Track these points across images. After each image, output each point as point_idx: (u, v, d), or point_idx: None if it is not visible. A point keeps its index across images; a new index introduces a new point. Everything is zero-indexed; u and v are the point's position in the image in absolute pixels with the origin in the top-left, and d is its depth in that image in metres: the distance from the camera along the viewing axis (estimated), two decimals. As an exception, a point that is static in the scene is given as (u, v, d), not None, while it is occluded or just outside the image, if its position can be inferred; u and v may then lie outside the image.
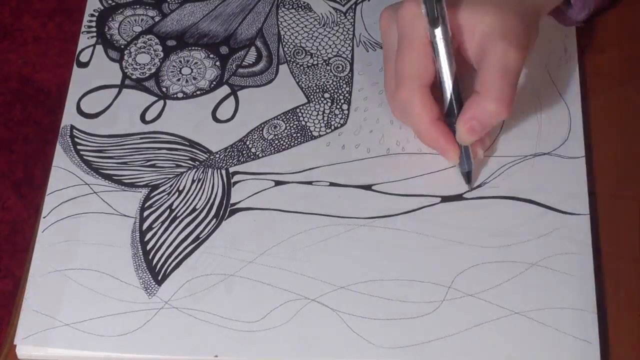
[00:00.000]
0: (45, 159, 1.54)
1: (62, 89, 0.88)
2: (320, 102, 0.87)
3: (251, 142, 0.85)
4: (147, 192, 0.82)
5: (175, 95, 0.87)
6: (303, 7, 0.92)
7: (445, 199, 0.82)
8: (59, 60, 1.68)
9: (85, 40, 0.90)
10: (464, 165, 0.81)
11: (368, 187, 0.82)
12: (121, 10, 0.92)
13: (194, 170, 0.83)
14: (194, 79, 0.88)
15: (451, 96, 0.79)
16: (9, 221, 1.57)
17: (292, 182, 0.83)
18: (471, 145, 0.80)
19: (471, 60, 0.80)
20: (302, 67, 0.89)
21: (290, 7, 0.92)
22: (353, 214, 0.81)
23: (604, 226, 0.81)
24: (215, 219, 0.81)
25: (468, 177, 0.82)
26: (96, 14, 0.91)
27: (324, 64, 0.89)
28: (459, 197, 0.82)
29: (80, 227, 0.80)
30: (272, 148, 0.84)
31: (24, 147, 1.60)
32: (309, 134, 0.85)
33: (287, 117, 0.86)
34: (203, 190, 0.82)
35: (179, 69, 0.89)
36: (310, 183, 0.83)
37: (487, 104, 0.77)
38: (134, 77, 0.88)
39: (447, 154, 0.80)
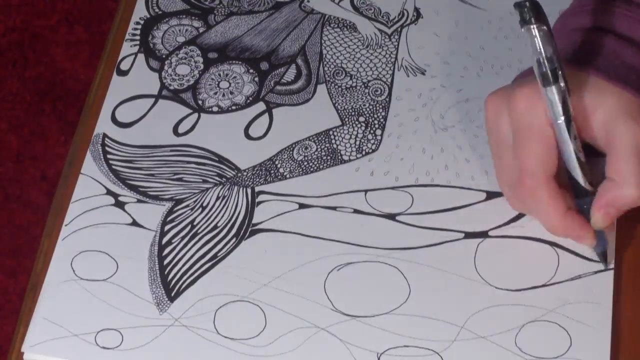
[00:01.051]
0: (60, 163, 1.56)
1: (88, 91, 0.89)
2: (354, 125, 0.86)
3: (280, 162, 0.84)
4: (170, 206, 0.82)
5: (210, 109, 0.87)
6: (348, 27, 0.91)
7: (469, 235, 0.80)
8: (87, 62, 1.69)
9: (127, 48, 0.90)
10: (599, 247, 0.78)
11: (392, 217, 0.81)
12: (167, 19, 0.92)
13: (220, 186, 0.83)
14: (231, 93, 0.88)
15: (583, 163, 0.76)
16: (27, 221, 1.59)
17: (316, 207, 0.82)
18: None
19: (595, 143, 0.77)
20: (340, 89, 0.88)
21: (336, 26, 0.91)
22: (373, 244, 0.80)
23: (628, 275, 0.79)
24: (235, 238, 0.81)
25: (604, 256, 0.78)
26: (142, 22, 0.92)
27: (363, 86, 0.88)
28: (483, 234, 0.80)
29: (100, 238, 0.80)
30: (301, 169, 0.84)
31: (45, 149, 1.63)
32: (339, 157, 0.84)
33: (320, 138, 0.85)
34: (227, 208, 0.82)
35: (217, 82, 0.88)
36: (334, 209, 0.82)
37: (623, 190, 0.74)
38: (171, 88, 0.88)
39: (585, 241, 0.77)
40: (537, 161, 0.75)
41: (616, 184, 0.75)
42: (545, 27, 0.72)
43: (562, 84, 0.73)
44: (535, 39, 0.73)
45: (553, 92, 0.74)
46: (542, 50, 0.73)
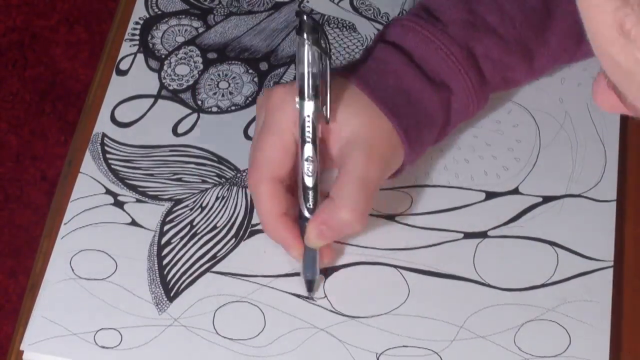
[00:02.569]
0: (60, 163, 1.56)
1: (87, 91, 0.89)
2: (353, 126, 0.86)
3: (279, 162, 0.84)
4: (170, 206, 0.82)
5: (209, 109, 0.87)
6: (348, 28, 0.91)
7: (468, 235, 0.80)
8: (87, 62, 1.69)
9: (127, 48, 0.90)
10: (307, 273, 0.77)
11: (391, 218, 0.81)
12: (166, 19, 0.92)
13: (220, 187, 0.83)
14: (231, 93, 0.88)
15: (307, 187, 0.76)
16: (25, 221, 1.59)
17: (315, 207, 0.82)
18: (319, 250, 0.77)
19: (331, 157, 0.77)
20: (339, 89, 0.88)
21: (335, 26, 0.91)
22: (372, 245, 0.80)
23: (628, 276, 0.79)
24: (234, 239, 0.81)
25: (309, 285, 0.77)
26: (141, 21, 0.92)
27: (362, 87, 0.88)
28: (482, 235, 0.80)
29: (99, 237, 0.80)
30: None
31: (45, 148, 1.63)
32: (339, 158, 0.84)
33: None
34: (226, 209, 0.82)
35: (216, 83, 0.89)
36: (333, 209, 0.82)
37: (340, 213, 0.74)
38: (171, 88, 0.88)
39: (291, 252, 0.77)
40: (268, 159, 0.75)
41: (334, 205, 0.75)
42: (315, 47, 0.72)
43: (319, 102, 0.73)
44: (304, 52, 0.73)
45: (304, 107, 0.74)
46: (308, 65, 0.73)
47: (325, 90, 0.74)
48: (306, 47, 0.72)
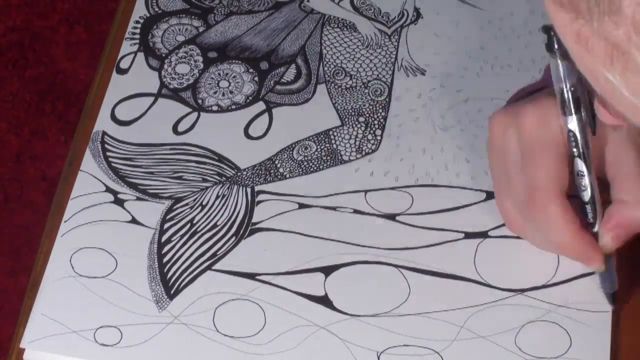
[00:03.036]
0: (60, 163, 1.56)
1: (88, 91, 0.89)
2: (354, 125, 0.86)
3: (280, 161, 0.84)
4: (170, 204, 0.82)
5: (210, 108, 0.87)
6: (348, 27, 0.91)
7: (469, 235, 0.80)
8: (87, 62, 1.69)
9: (127, 46, 0.90)
10: (608, 287, 0.76)
11: (392, 217, 0.81)
12: (167, 18, 0.92)
13: (220, 185, 0.83)
14: (231, 92, 0.88)
15: (592, 199, 0.74)
16: (26, 219, 1.59)
17: (316, 207, 0.82)
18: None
19: (604, 169, 0.75)
20: (339, 89, 0.88)
21: (336, 26, 0.91)
22: (373, 244, 0.80)
23: (628, 277, 0.78)
24: (234, 237, 0.81)
25: (613, 298, 0.76)
26: (142, 20, 0.91)
27: (363, 86, 0.88)
28: (483, 234, 0.80)
29: (99, 235, 0.80)
30: (301, 169, 0.84)
31: (45, 148, 1.63)
32: (339, 157, 0.84)
33: (319, 139, 0.85)
34: (226, 207, 0.82)
35: (217, 82, 0.88)
36: (334, 209, 0.82)
37: (632, 211, 0.73)
38: (171, 86, 0.88)
39: (594, 263, 0.75)
40: (549, 176, 0.73)
41: (626, 206, 0.73)
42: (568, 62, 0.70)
43: (582, 114, 0.71)
44: (559, 68, 0.71)
45: (573, 121, 0.72)
46: (566, 79, 0.71)
47: (585, 100, 0.71)
48: (560, 62, 0.70)
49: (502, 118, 0.75)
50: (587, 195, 0.74)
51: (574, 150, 0.72)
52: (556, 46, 0.69)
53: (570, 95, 0.71)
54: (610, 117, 0.54)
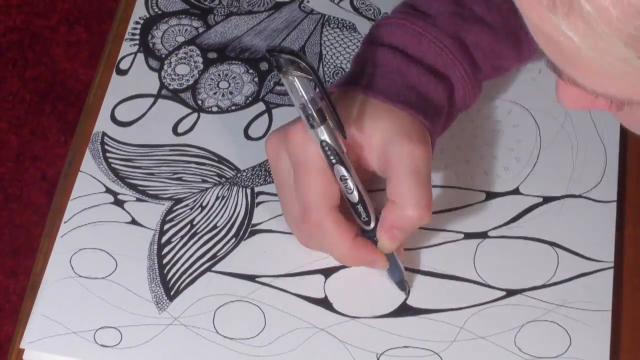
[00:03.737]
0: (60, 163, 1.56)
1: (88, 91, 0.89)
2: (354, 126, 0.86)
3: (280, 162, 0.84)
4: (170, 205, 0.82)
5: (210, 109, 0.87)
6: (348, 28, 0.91)
7: (469, 235, 0.80)
8: (87, 62, 1.69)
9: (127, 47, 0.90)
10: (395, 275, 0.78)
11: (391, 217, 0.81)
12: (167, 19, 0.92)
13: (220, 186, 0.83)
14: (231, 93, 0.88)
15: (360, 198, 0.75)
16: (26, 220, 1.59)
17: (316, 206, 0.82)
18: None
19: (375, 169, 0.76)
20: (339, 89, 0.88)
21: (335, 26, 0.91)
22: (372, 244, 0.80)
23: (628, 277, 0.78)
24: (234, 239, 0.81)
25: (402, 285, 0.78)
26: (141, 21, 0.91)
27: (363, 87, 0.88)
28: (482, 235, 0.80)
29: (99, 236, 0.80)
30: (300, 170, 0.84)
31: (45, 148, 1.63)
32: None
33: (319, 139, 0.85)
34: (226, 208, 0.82)
35: (216, 83, 0.88)
36: (333, 208, 0.82)
37: (405, 212, 0.74)
38: (171, 87, 0.88)
39: (377, 265, 0.77)
40: (318, 194, 0.74)
41: (397, 206, 0.74)
42: (300, 73, 0.71)
43: (329, 122, 0.72)
44: (295, 85, 0.72)
45: (323, 132, 0.73)
46: (304, 94, 0.72)
47: (329, 108, 0.73)
48: (295, 79, 0.71)
49: (274, 140, 0.77)
50: (354, 197, 0.75)
51: (332, 158, 0.73)
52: (283, 65, 0.70)
53: (312, 108, 0.72)
54: (569, 97, 0.54)
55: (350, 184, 0.74)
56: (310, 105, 0.72)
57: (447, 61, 0.78)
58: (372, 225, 0.76)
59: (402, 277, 0.77)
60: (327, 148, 0.73)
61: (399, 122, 0.75)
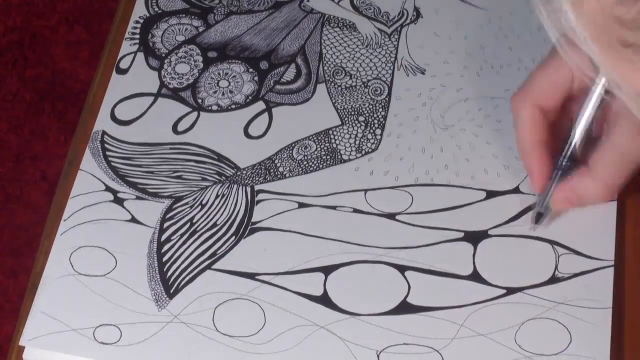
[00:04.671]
0: (60, 163, 1.56)
1: (88, 91, 0.89)
2: (354, 125, 0.86)
3: (280, 161, 0.84)
4: (170, 204, 0.82)
5: (210, 108, 0.87)
6: (348, 27, 0.91)
7: (469, 234, 0.80)
8: (87, 62, 1.69)
9: (127, 47, 0.90)
10: (541, 207, 0.78)
11: (392, 217, 0.81)
12: (167, 18, 0.92)
13: (220, 185, 0.83)
14: (231, 92, 0.88)
15: (570, 141, 0.76)
16: (26, 220, 1.59)
17: (316, 206, 0.82)
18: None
19: (598, 126, 0.76)
20: (340, 88, 0.88)
21: (336, 25, 0.91)
22: (373, 243, 0.80)
23: (629, 275, 0.78)
24: (234, 237, 0.81)
25: (538, 218, 0.79)
26: (142, 21, 0.92)
27: (363, 86, 0.88)
28: (483, 234, 0.80)
29: (99, 234, 0.80)
30: (301, 169, 0.84)
31: (45, 148, 1.63)
32: (339, 157, 0.84)
33: (319, 138, 0.85)
34: (226, 207, 0.82)
35: (217, 82, 0.88)
36: (334, 208, 0.82)
37: (592, 184, 0.74)
38: (171, 86, 0.88)
39: (532, 181, 0.78)
40: (538, 86, 0.75)
41: (589, 173, 0.74)
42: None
43: None
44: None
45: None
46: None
47: None
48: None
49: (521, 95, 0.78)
50: (577, 136, 0.75)
51: (592, 99, 0.73)
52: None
53: None
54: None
55: (584, 125, 0.74)
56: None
57: None
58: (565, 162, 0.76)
59: (543, 212, 0.78)
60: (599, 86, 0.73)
61: None
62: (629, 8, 0.41)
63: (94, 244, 0.80)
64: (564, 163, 0.76)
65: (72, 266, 0.79)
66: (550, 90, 0.75)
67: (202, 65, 0.89)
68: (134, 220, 0.81)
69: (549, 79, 0.76)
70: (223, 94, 0.88)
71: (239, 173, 0.84)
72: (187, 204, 0.82)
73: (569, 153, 0.76)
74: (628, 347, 0.76)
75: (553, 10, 0.45)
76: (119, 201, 0.82)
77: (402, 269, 0.79)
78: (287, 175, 0.84)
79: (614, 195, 0.75)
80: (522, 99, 0.76)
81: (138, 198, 0.82)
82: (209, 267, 0.79)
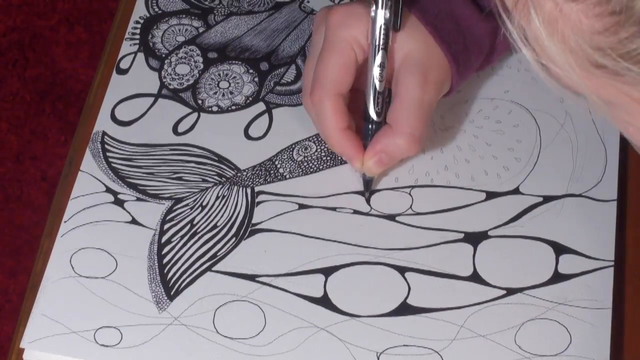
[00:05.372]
0: (60, 163, 1.56)
1: (88, 91, 0.89)
2: (354, 125, 0.86)
3: (280, 162, 0.84)
4: (170, 205, 0.82)
5: (210, 109, 0.87)
6: (348, 27, 0.91)
7: (469, 235, 0.80)
8: (87, 62, 1.69)
9: (127, 47, 0.90)
10: (366, 174, 0.81)
11: (391, 218, 0.81)
12: (167, 18, 0.92)
13: (220, 186, 0.83)
14: (231, 93, 0.88)
15: (378, 92, 0.78)
16: (25, 220, 1.59)
17: (316, 207, 0.82)
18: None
19: (387, 81, 0.79)
20: (339, 89, 0.88)
21: (336, 26, 0.91)
22: (373, 244, 0.80)
23: (629, 275, 0.78)
24: (234, 238, 0.81)
25: (367, 185, 0.81)
26: (142, 21, 0.92)
27: (363, 87, 0.88)
28: (482, 235, 0.80)
29: (99, 235, 0.80)
30: (301, 170, 0.84)
31: (45, 149, 1.63)
32: (339, 158, 0.84)
33: (319, 139, 0.85)
34: (226, 208, 0.82)
35: (217, 82, 0.88)
36: (334, 209, 0.82)
37: (397, 139, 0.77)
38: (171, 87, 0.88)
39: (354, 163, 0.80)
40: (331, 75, 0.77)
41: (391, 131, 0.77)
42: None
43: (386, 14, 0.75)
44: None
45: (378, 16, 0.76)
46: None
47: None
48: None
49: (321, 13, 0.80)
50: (382, 86, 0.78)
51: (382, 41, 0.76)
52: None
53: None
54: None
55: (384, 73, 0.77)
56: None
57: None
58: (381, 118, 0.79)
59: (370, 178, 0.81)
60: (383, 32, 0.76)
61: (427, 51, 0.77)
62: (607, 37, 0.42)
63: (94, 245, 0.80)
64: (370, 127, 0.79)
65: (73, 268, 0.79)
66: (341, 74, 0.78)
67: (202, 66, 0.89)
68: (134, 221, 0.81)
69: (337, 64, 0.78)
70: (223, 95, 0.88)
71: (239, 174, 0.84)
72: (187, 205, 0.82)
73: (371, 117, 0.79)
74: (628, 347, 0.76)
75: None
76: (119, 202, 0.82)
77: (402, 270, 0.79)
78: (287, 176, 0.84)
79: (420, 145, 0.78)
80: (320, 93, 0.78)
81: (138, 199, 0.82)
82: (209, 269, 0.79)
